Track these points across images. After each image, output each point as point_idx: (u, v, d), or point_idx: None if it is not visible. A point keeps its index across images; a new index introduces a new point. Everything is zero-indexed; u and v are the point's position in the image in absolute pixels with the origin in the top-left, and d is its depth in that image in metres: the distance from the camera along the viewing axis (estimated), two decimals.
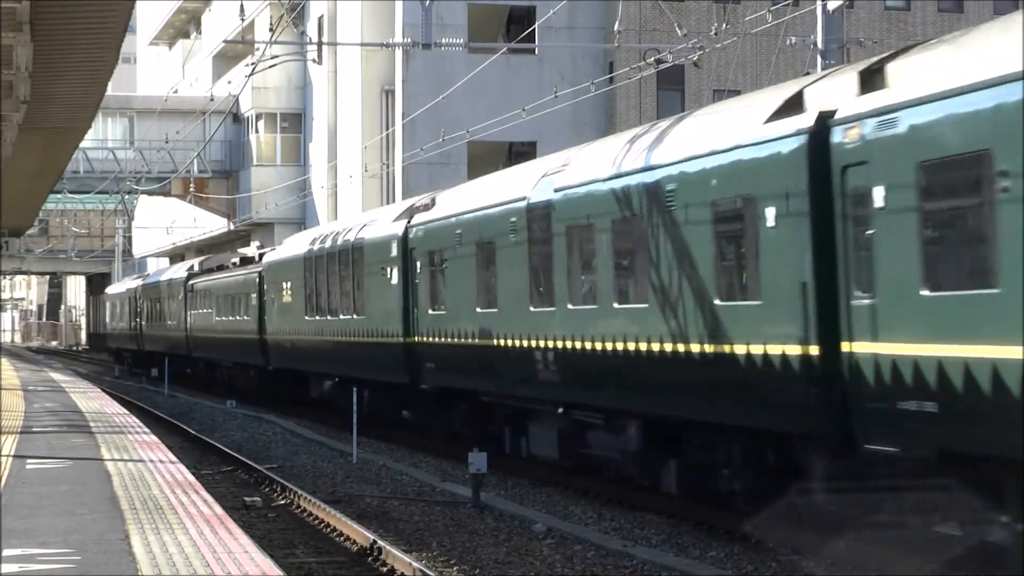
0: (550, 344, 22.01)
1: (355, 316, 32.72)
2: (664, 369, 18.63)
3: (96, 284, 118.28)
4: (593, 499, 21.82)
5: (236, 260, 51.32)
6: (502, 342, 23.97)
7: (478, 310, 25.26)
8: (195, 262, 59.02)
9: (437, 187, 36.16)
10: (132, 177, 64.33)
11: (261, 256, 45.35)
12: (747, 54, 50.17)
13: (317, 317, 36.10)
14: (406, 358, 29.18)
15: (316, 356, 36.78)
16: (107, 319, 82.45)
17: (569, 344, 21.33)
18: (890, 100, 14.18)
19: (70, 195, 73.10)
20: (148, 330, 65.53)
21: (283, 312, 39.88)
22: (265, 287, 42.59)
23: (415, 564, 15.78)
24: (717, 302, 17.13)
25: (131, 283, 73.53)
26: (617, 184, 19.82)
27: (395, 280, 29.73)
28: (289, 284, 39.08)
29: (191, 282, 55.95)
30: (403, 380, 29.51)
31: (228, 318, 47.98)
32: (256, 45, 49.44)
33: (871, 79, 15.06)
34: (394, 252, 29.75)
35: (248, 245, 61.44)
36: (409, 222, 29.43)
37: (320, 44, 57.48)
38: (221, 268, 52.39)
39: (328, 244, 35.28)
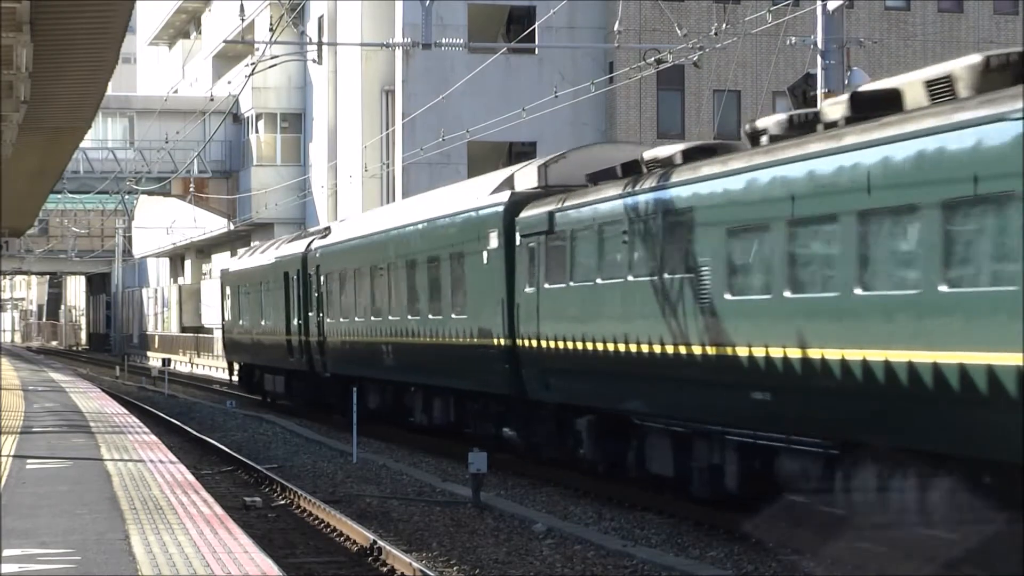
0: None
1: None
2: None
3: (96, 284, 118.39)
4: (593, 499, 21.84)
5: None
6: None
7: None
8: (529, 166, 25.95)
9: (439, 187, 35.76)
10: (132, 177, 64.30)
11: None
12: (747, 54, 50.15)
13: None
14: None
15: None
16: (226, 314, 49.44)
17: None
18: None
19: (70, 195, 73.11)
20: (339, 334, 35.23)
21: None
22: None
23: (415, 564, 15.79)
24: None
25: (288, 247, 40.86)
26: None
27: None
28: None
29: (529, 215, 23.55)
30: None
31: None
32: (256, 45, 49.46)
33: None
34: None
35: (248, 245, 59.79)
36: None
37: (320, 44, 57.47)
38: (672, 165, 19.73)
39: None
